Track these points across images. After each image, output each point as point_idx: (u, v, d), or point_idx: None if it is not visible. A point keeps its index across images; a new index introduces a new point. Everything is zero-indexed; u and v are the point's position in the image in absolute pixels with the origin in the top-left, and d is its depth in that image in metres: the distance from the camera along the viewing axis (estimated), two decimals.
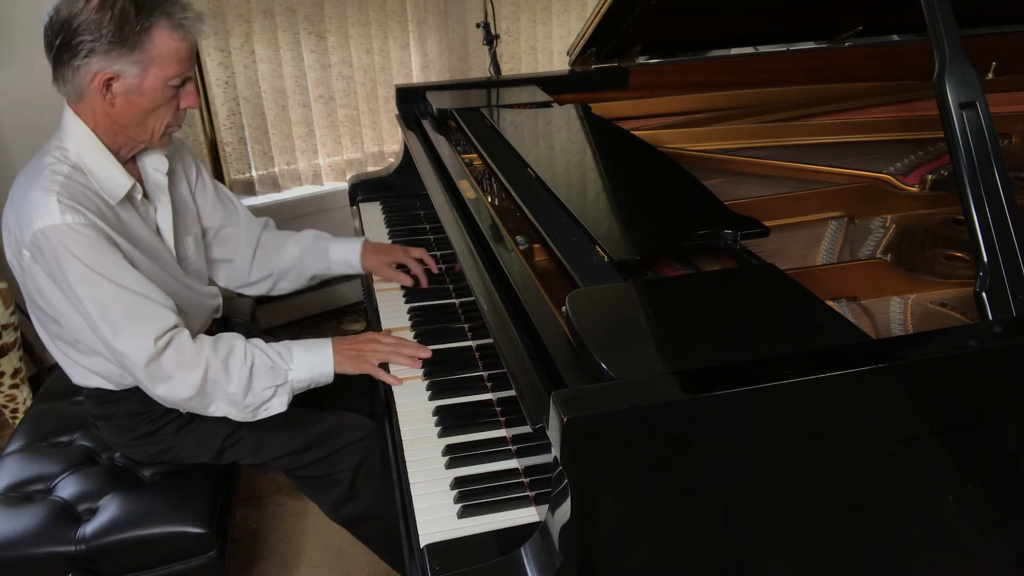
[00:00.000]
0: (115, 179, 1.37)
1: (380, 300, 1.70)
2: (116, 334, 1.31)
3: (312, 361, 1.43)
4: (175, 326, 1.35)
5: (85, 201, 1.30)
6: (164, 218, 1.49)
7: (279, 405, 1.43)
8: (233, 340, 1.40)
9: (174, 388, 1.35)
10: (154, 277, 1.39)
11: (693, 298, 1.06)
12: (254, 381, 1.38)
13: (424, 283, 1.71)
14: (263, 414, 1.43)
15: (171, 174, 1.51)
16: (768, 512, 0.94)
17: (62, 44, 1.26)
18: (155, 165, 1.48)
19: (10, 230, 1.33)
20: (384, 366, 1.44)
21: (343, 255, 1.77)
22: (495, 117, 1.84)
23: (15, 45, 2.31)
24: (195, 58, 1.38)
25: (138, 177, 1.44)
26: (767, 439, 0.90)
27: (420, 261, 1.73)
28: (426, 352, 1.44)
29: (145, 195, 1.46)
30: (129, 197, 1.40)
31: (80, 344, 1.41)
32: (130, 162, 1.44)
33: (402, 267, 1.75)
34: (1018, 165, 1.67)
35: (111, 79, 1.29)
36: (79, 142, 1.34)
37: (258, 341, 1.43)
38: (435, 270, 1.73)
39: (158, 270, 1.43)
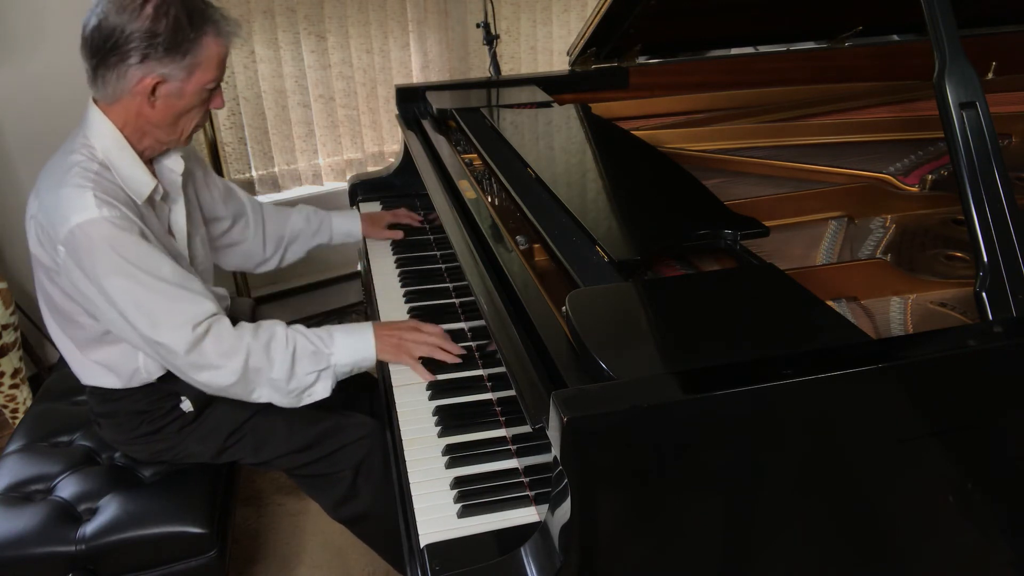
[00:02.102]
0: (140, 178, 1.39)
1: (380, 300, 1.70)
2: (154, 326, 1.32)
3: (354, 345, 1.43)
4: (214, 314, 1.37)
5: (117, 196, 1.33)
6: (178, 218, 1.51)
7: (323, 390, 1.44)
8: (274, 326, 1.41)
9: (216, 376, 1.36)
10: None
11: (693, 298, 1.06)
12: (297, 366, 1.39)
13: (416, 221, 1.97)
14: (307, 399, 1.44)
15: (184, 175, 1.52)
16: (768, 512, 0.94)
17: (111, 49, 1.29)
18: (171, 166, 1.49)
19: (41, 227, 1.34)
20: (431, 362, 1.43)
21: (346, 227, 1.95)
22: (495, 117, 1.84)
23: (15, 45, 2.31)
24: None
25: (156, 178, 1.45)
26: (767, 439, 0.90)
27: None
28: (458, 353, 1.43)
29: (163, 196, 1.47)
30: (150, 197, 1.41)
31: (109, 336, 1.42)
32: (147, 163, 1.45)
33: (395, 227, 1.96)
34: (1018, 165, 1.67)
35: (159, 83, 1.32)
36: (106, 141, 1.36)
37: (300, 327, 1.44)
38: (418, 222, 1.97)
39: None
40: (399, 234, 1.93)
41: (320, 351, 1.41)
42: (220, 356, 1.35)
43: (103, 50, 1.29)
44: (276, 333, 1.40)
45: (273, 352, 1.38)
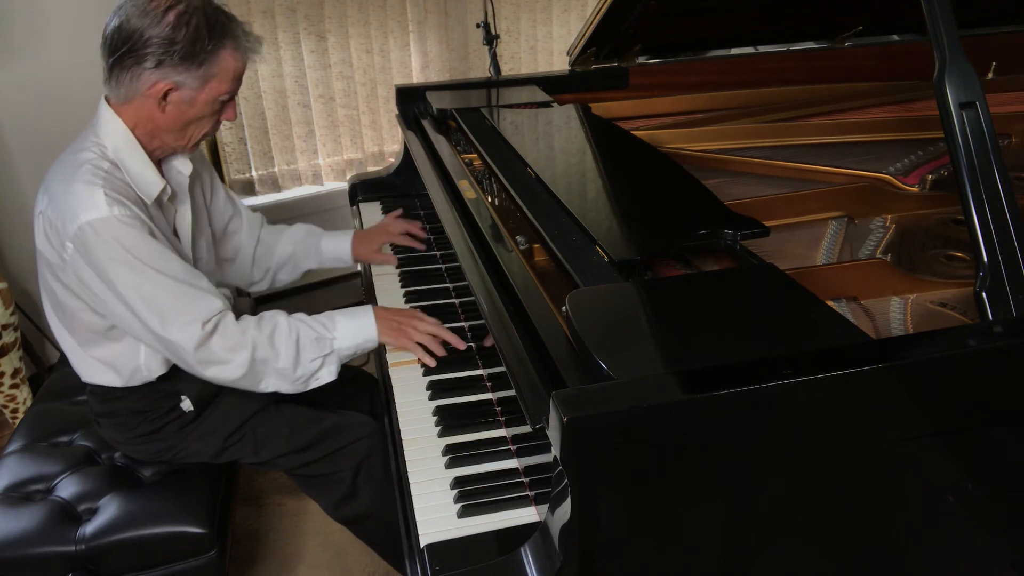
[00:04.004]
0: (149, 179, 1.39)
1: (380, 300, 1.70)
2: (164, 323, 1.33)
3: (356, 328, 1.45)
4: (221, 310, 1.38)
5: (127, 195, 1.33)
6: (183, 220, 1.51)
7: (328, 374, 1.45)
8: (276, 317, 1.43)
9: (224, 370, 1.37)
10: None
11: (693, 298, 1.06)
12: (302, 354, 1.41)
13: (420, 246, 1.82)
14: (314, 384, 1.45)
15: (192, 177, 1.52)
16: (768, 512, 0.94)
17: (128, 51, 1.29)
18: (180, 168, 1.49)
19: (50, 222, 1.34)
20: None
21: (334, 251, 1.83)
22: (495, 117, 1.84)
23: (14, 44, 2.31)
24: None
25: (164, 178, 1.45)
26: (767, 439, 0.90)
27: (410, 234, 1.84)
28: (462, 344, 1.45)
29: (170, 197, 1.47)
30: (157, 198, 1.42)
31: (111, 333, 1.43)
32: (156, 164, 1.45)
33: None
34: (1018, 165, 1.67)
35: (171, 90, 1.33)
36: (117, 140, 1.37)
37: (301, 315, 1.45)
38: (423, 235, 1.83)
39: None
40: (393, 260, 1.81)
41: (323, 336, 1.43)
42: (227, 351, 1.36)
43: (120, 51, 1.30)
44: (279, 323, 1.41)
45: (277, 343, 1.39)
